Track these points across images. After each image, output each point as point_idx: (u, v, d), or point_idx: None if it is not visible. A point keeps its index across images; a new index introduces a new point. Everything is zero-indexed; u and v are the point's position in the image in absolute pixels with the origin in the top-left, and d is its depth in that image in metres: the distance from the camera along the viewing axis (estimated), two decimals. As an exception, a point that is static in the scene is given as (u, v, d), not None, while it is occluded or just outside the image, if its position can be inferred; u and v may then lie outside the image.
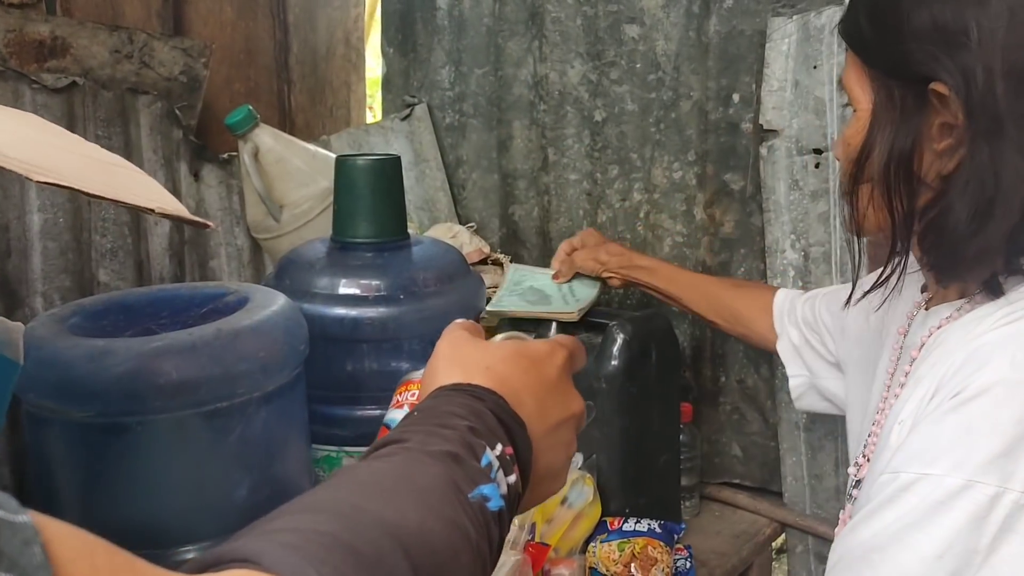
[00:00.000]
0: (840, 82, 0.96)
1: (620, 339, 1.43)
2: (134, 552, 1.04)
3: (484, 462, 0.53)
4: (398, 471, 0.52)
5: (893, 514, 0.80)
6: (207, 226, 0.59)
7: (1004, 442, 0.76)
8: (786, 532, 1.66)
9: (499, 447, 0.55)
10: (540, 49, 1.81)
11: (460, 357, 0.63)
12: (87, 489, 1.07)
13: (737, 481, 1.72)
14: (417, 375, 1.21)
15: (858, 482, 1.01)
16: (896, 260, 0.91)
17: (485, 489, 0.52)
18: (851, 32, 0.94)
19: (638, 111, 1.72)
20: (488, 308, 1.55)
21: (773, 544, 1.67)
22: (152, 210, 0.56)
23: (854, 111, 0.93)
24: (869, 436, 1.01)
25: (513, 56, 1.85)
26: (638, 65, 1.71)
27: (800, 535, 1.63)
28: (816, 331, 1.30)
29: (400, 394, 1.20)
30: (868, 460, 0.99)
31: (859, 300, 1.01)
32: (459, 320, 0.68)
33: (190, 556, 1.06)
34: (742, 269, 1.65)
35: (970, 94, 0.81)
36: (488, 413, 0.57)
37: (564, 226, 1.84)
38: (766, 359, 1.63)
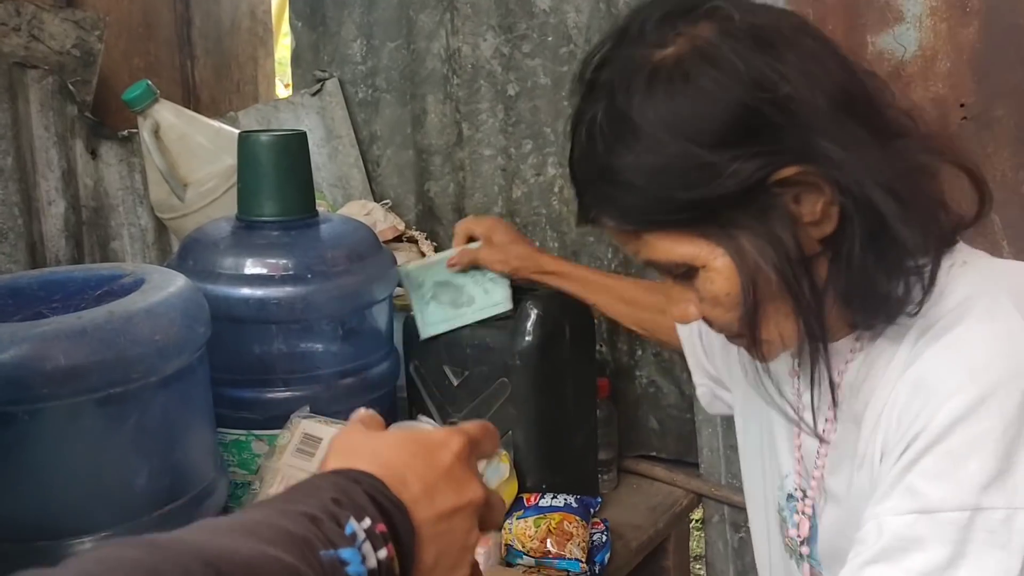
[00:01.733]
0: (646, 263, 0.84)
1: (534, 315, 1.42)
2: (29, 544, 0.99)
3: (348, 530, 0.51)
4: (247, 518, 0.50)
5: (914, 564, 0.73)
6: None
7: (996, 459, 0.72)
8: (703, 503, 1.67)
9: (368, 521, 0.52)
10: (452, 22, 1.78)
11: (347, 446, 0.60)
12: (-26, 482, 1.02)
13: (654, 454, 1.73)
14: None
15: (800, 496, 0.96)
16: (820, 345, 0.83)
17: (345, 553, 0.50)
18: (629, 213, 0.80)
19: (551, 85, 1.70)
20: (422, 336, 1.49)
21: (691, 515, 1.68)
22: None
23: (692, 271, 0.81)
24: (797, 463, 0.96)
25: (425, 29, 1.82)
26: (550, 38, 1.69)
27: (717, 505, 1.65)
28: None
29: None
30: (817, 479, 0.93)
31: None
32: (360, 410, 0.66)
33: (87, 546, 1.03)
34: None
35: (809, 148, 0.76)
36: (359, 491, 0.54)
37: (480, 202, 1.82)
38: (681, 332, 1.64)
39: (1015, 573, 0.71)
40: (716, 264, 0.79)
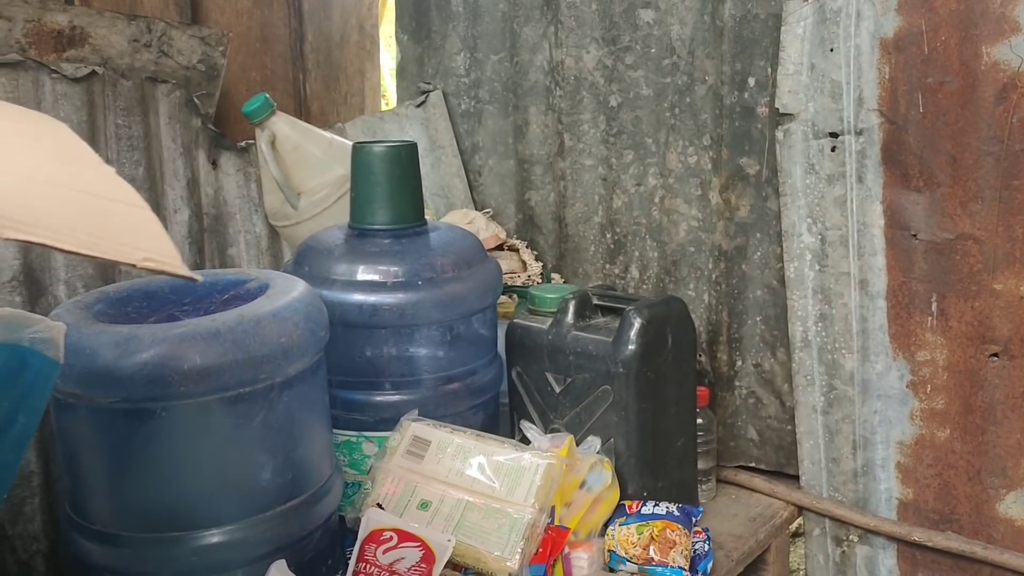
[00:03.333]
0: None
1: (637, 323, 1.43)
2: (161, 535, 1.05)
3: None
4: None
5: None
6: (194, 279, 0.58)
7: None
8: (803, 515, 1.66)
9: None
10: (556, 35, 1.81)
11: None
12: (114, 474, 1.08)
13: (753, 464, 1.73)
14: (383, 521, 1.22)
15: None
16: None
17: None
18: None
19: (653, 96, 1.72)
20: None
21: (790, 527, 1.68)
22: (134, 265, 0.55)
23: None
24: None
25: (529, 42, 1.86)
26: (653, 50, 1.71)
27: (817, 518, 1.64)
28: None
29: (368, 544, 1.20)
30: None
31: None
32: None
33: (215, 539, 1.08)
34: (758, 253, 1.65)
35: None
36: None
37: (580, 211, 1.85)
38: (782, 342, 1.64)
39: None
40: None
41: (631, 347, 1.43)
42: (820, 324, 1.55)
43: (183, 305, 1.21)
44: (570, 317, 1.50)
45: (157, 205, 1.51)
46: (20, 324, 0.89)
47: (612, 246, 1.82)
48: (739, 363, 1.71)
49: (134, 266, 0.50)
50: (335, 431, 1.35)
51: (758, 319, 1.67)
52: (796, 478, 1.65)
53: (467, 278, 1.44)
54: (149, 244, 0.62)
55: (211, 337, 1.04)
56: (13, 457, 0.93)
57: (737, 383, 1.72)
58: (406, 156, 1.44)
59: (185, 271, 0.54)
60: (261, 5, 1.79)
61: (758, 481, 1.68)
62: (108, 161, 1.45)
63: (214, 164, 1.63)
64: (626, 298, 1.52)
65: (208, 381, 1.03)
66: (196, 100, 1.56)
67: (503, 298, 1.75)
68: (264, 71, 1.81)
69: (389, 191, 1.43)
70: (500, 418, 1.57)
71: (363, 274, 1.38)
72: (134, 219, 0.69)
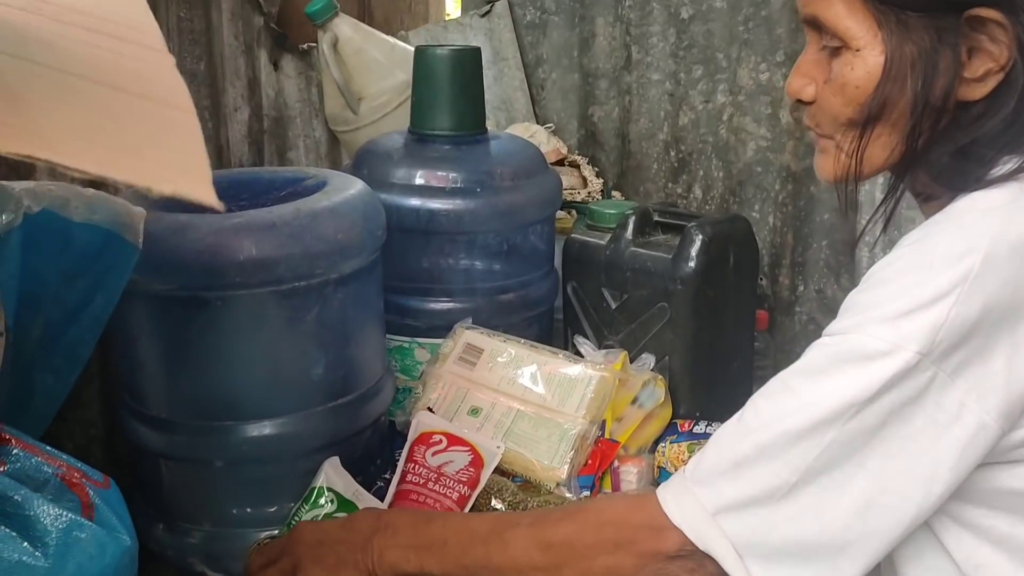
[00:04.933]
0: (807, 19, 0.84)
1: (699, 240, 1.40)
2: (212, 424, 1.07)
3: None
4: None
5: (791, 370, 0.80)
6: (218, 210, 0.51)
7: (908, 302, 0.74)
8: (858, 445, 1.63)
9: None
10: (627, -58, 1.75)
11: None
12: (169, 362, 1.09)
13: (810, 393, 1.70)
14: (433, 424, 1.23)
15: None
16: (900, 190, 0.87)
17: None
18: None
19: (726, 8, 1.65)
20: None
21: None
22: (149, 189, 0.48)
23: (837, 48, 0.82)
24: None
25: (598, -50, 1.80)
26: (729, -41, 1.64)
27: (872, 449, 1.61)
28: None
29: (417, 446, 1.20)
30: None
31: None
32: None
33: (267, 431, 1.09)
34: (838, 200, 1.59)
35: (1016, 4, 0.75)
36: None
37: (644, 128, 1.80)
38: (847, 268, 1.59)
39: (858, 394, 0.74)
40: (870, 54, 0.80)
41: (691, 264, 1.39)
42: (888, 249, 1.50)
43: (240, 200, 1.20)
44: (630, 233, 1.47)
45: (217, 103, 1.50)
46: (103, 206, 0.90)
47: (676, 165, 1.78)
48: (801, 288, 1.67)
49: (150, 190, 0.45)
50: (388, 336, 1.35)
51: (823, 243, 1.62)
52: (853, 408, 1.62)
53: (526, 188, 1.41)
54: (179, 161, 0.55)
55: (267, 229, 1.04)
56: (90, 335, 0.95)
57: (797, 308, 1.68)
58: (469, 61, 1.41)
59: (212, 199, 0.48)
60: (327, -95, 1.75)
61: (814, 409, 1.65)
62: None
63: (275, 66, 1.62)
64: (688, 215, 1.49)
65: (263, 273, 1.03)
66: (259, -3, 1.55)
67: (561, 213, 1.73)
68: (328, -27, 1.78)
69: (451, 96, 1.40)
70: (553, 334, 1.56)
71: (421, 179, 1.37)
72: (171, 127, 0.61)
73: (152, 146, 0.56)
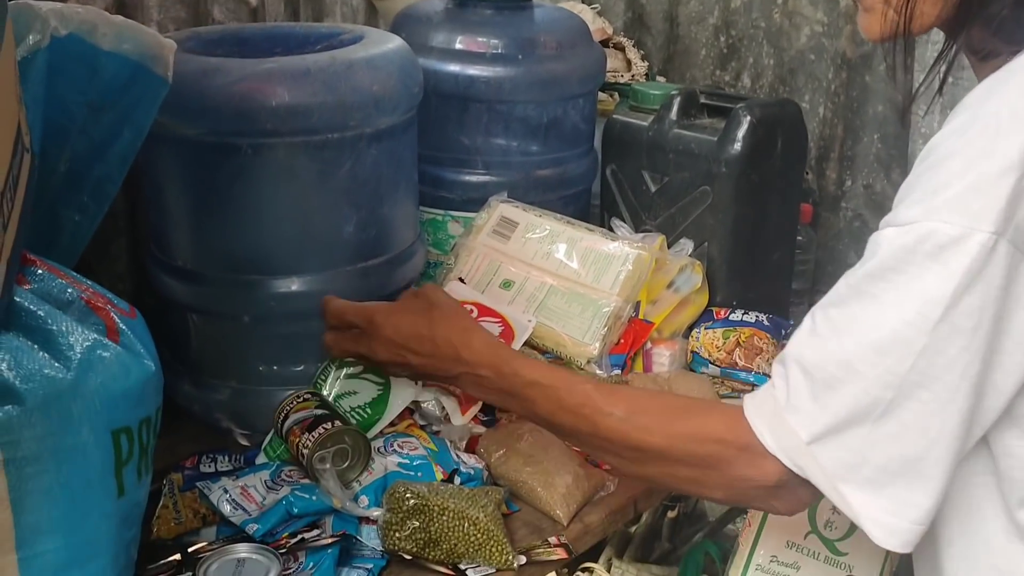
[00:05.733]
0: None
1: (746, 122, 1.34)
2: (241, 277, 1.04)
3: None
4: None
5: (860, 271, 0.73)
6: None
7: (976, 178, 0.68)
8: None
9: None
10: None
11: None
12: (197, 210, 1.07)
13: (850, 291, 1.65)
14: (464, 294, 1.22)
15: None
16: (952, 46, 0.81)
17: None
18: None
19: None
20: None
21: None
22: None
23: None
24: None
25: None
26: None
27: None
28: None
29: None
30: None
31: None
32: None
33: (295, 287, 1.07)
34: (885, 63, 1.52)
35: None
36: None
37: (694, 10, 1.73)
38: (899, 162, 1.53)
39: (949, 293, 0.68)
40: None
41: (737, 146, 1.34)
42: (944, 116, 1.43)
43: (274, 52, 1.16)
44: (674, 114, 1.42)
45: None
46: (132, 36, 0.86)
47: (725, 50, 1.71)
48: (848, 183, 1.61)
49: None
50: (422, 208, 1.32)
51: (875, 136, 1.56)
52: (894, 308, 1.58)
53: (569, 58, 1.36)
54: None
55: (300, 75, 1.00)
56: (116, 172, 0.92)
57: (844, 204, 1.62)
58: (515, -79, 1.34)
59: None
60: None
61: (853, 308, 1.61)
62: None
63: (314, -75, 1.55)
64: (736, 97, 1.43)
65: (295, 121, 0.99)
66: None
67: (603, 96, 1.67)
68: None
69: (495, -41, 1.34)
70: (590, 216, 1.52)
71: (461, 43, 1.32)
72: None
73: None
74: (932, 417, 0.71)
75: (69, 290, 0.71)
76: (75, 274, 0.75)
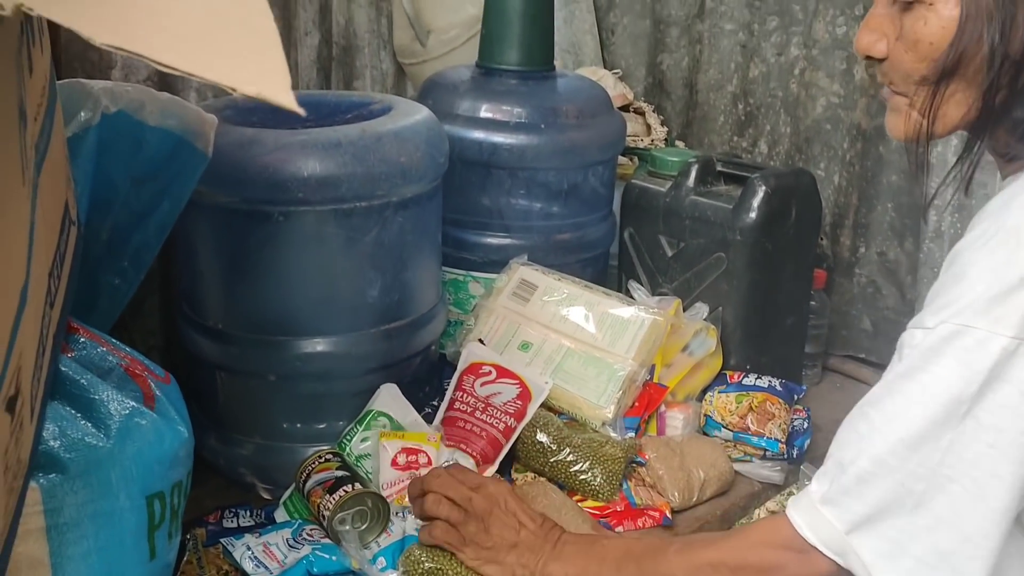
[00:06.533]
0: None
1: (761, 192, 1.38)
2: (268, 338, 1.07)
3: None
4: None
5: (892, 372, 0.78)
6: (299, 113, 0.51)
7: (998, 286, 0.72)
8: (908, 412, 1.61)
9: None
10: None
11: None
12: (229, 274, 1.11)
13: (863, 356, 1.67)
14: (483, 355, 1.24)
15: None
16: (977, 150, 0.84)
17: None
18: None
19: (807, -42, 1.61)
20: None
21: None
22: (234, 89, 0.49)
23: (909, 2, 0.79)
24: None
25: None
26: (814, -92, 1.59)
27: (923, 416, 1.59)
28: None
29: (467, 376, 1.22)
30: None
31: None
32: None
33: (320, 348, 1.11)
34: (908, 162, 1.55)
35: None
36: None
37: (713, 78, 1.77)
38: (912, 232, 1.56)
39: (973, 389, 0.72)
40: (944, 7, 0.78)
41: (752, 215, 1.38)
42: (957, 215, 1.46)
43: (307, 121, 1.21)
44: (691, 181, 1.46)
45: (288, 26, 1.51)
46: (177, 112, 0.91)
47: (743, 118, 1.75)
48: (862, 250, 1.64)
49: (234, 90, 0.46)
50: (444, 268, 1.36)
51: (889, 205, 1.59)
52: (907, 374, 1.59)
53: (590, 127, 1.40)
54: (260, 65, 0.55)
55: (332, 147, 1.04)
56: (155, 239, 0.97)
57: (857, 270, 1.65)
58: (541, -4, 1.40)
59: (291, 103, 0.49)
60: None
61: (866, 372, 1.63)
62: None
63: (346, -7, 1.62)
64: (752, 166, 1.46)
65: (325, 190, 1.04)
66: (334, -78, 1.54)
67: (623, 160, 1.71)
68: (403, -96, 1.77)
69: (520, 30, 1.39)
70: (608, 278, 1.55)
71: (486, 112, 1.37)
72: (253, 31, 0.61)
73: (236, 48, 0.56)
74: (965, 512, 0.74)
75: (109, 357, 0.75)
76: (114, 341, 0.79)
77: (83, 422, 0.67)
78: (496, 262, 1.39)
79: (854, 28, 1.58)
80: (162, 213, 0.94)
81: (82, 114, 0.84)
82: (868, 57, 0.85)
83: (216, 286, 1.13)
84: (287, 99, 0.52)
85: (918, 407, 0.75)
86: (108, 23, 0.50)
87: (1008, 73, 0.78)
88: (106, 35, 0.47)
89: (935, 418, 0.74)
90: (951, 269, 0.77)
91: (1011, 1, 0.76)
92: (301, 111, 0.51)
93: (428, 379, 1.27)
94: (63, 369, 0.69)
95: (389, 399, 1.14)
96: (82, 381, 0.69)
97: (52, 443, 0.64)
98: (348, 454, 1.10)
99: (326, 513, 0.97)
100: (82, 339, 0.75)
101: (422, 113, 1.17)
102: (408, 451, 1.09)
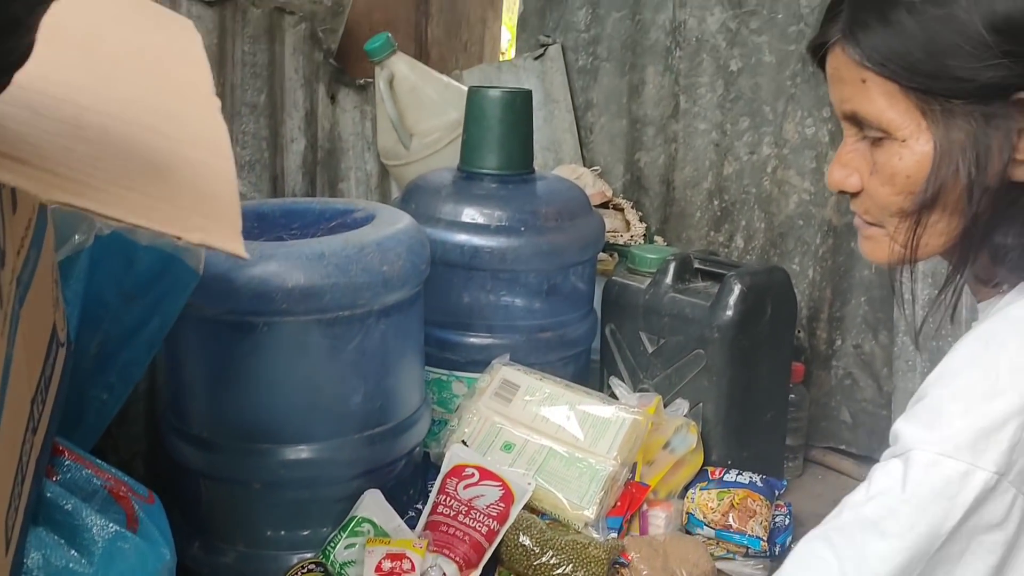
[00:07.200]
0: (847, 115, 0.80)
1: (737, 290, 1.41)
2: (252, 446, 1.08)
3: None
4: None
5: (863, 492, 0.77)
6: (243, 257, 0.53)
7: (982, 421, 0.73)
8: (890, 503, 1.62)
9: None
10: (680, -6, 1.78)
11: None
12: (213, 383, 1.13)
13: (843, 447, 1.69)
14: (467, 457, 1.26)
15: None
16: (959, 277, 0.84)
17: None
18: (879, 50, 0.76)
19: (775, 63, 1.68)
20: None
21: (875, 514, 1.64)
22: (178, 237, 0.50)
23: (884, 139, 0.78)
24: None
25: (652, 0, 1.83)
26: (780, 16, 1.66)
27: (905, 507, 1.60)
28: None
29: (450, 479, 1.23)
30: None
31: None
32: None
33: (304, 455, 1.12)
34: (892, 287, 1.60)
35: None
36: None
37: (689, 176, 1.82)
38: (886, 325, 1.59)
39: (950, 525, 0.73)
40: (916, 143, 0.77)
41: (729, 313, 1.41)
42: (928, 309, 1.50)
43: (291, 229, 1.25)
44: (669, 278, 1.49)
45: (275, 133, 1.55)
46: None
47: (719, 213, 1.79)
48: (838, 343, 1.67)
49: (179, 238, 0.47)
50: (427, 368, 1.38)
51: (863, 299, 1.63)
52: (887, 465, 1.61)
53: (569, 229, 1.44)
54: (212, 210, 0.55)
55: (316, 259, 1.07)
56: (143, 355, 0.99)
57: (834, 363, 1.68)
58: (520, 103, 1.45)
59: (240, 249, 0.50)
60: (390, -53, 1.81)
61: (847, 464, 1.65)
62: (232, 87, 1.50)
63: (332, 99, 1.67)
64: (728, 263, 1.50)
65: (309, 301, 1.06)
66: (320, 34, 1.60)
67: (603, 256, 1.75)
68: (388, 13, 1.83)
69: (500, 136, 1.44)
70: (590, 374, 1.57)
71: (467, 216, 1.40)
72: (208, 175, 0.62)
73: (187, 192, 0.57)
74: None
75: (94, 480, 0.77)
76: (99, 461, 0.81)
77: (67, 549, 0.68)
78: (479, 361, 1.41)
79: (822, 129, 1.63)
80: (152, 329, 0.97)
81: (76, 237, 0.86)
82: (841, 191, 0.84)
83: (201, 395, 1.14)
84: (234, 245, 0.54)
85: (897, 541, 0.74)
86: (59, 179, 0.51)
87: (987, 201, 0.78)
88: (56, 193, 0.48)
89: (913, 556, 0.74)
90: (931, 393, 0.77)
91: (984, 135, 0.76)
92: (246, 255, 0.53)
93: (412, 481, 1.28)
94: (48, 495, 0.71)
95: (373, 505, 1.15)
96: (67, 507, 0.70)
97: (36, 573, 0.65)
98: (332, 562, 1.10)
99: (309, 625, 0.97)
100: (67, 462, 0.77)
101: (404, 221, 1.20)
102: (393, 556, 1.10)
